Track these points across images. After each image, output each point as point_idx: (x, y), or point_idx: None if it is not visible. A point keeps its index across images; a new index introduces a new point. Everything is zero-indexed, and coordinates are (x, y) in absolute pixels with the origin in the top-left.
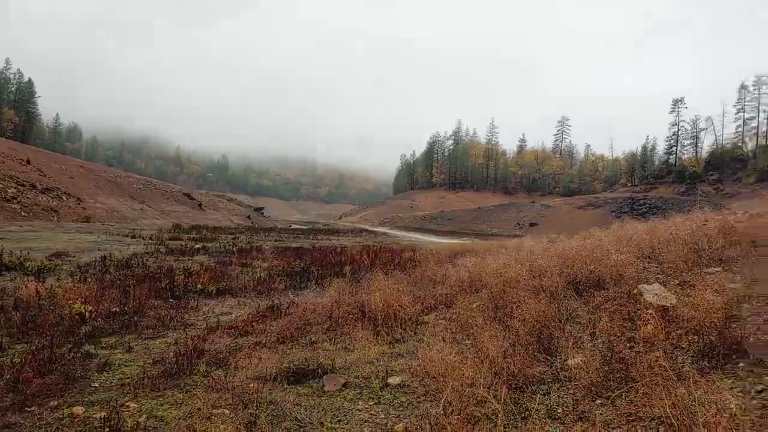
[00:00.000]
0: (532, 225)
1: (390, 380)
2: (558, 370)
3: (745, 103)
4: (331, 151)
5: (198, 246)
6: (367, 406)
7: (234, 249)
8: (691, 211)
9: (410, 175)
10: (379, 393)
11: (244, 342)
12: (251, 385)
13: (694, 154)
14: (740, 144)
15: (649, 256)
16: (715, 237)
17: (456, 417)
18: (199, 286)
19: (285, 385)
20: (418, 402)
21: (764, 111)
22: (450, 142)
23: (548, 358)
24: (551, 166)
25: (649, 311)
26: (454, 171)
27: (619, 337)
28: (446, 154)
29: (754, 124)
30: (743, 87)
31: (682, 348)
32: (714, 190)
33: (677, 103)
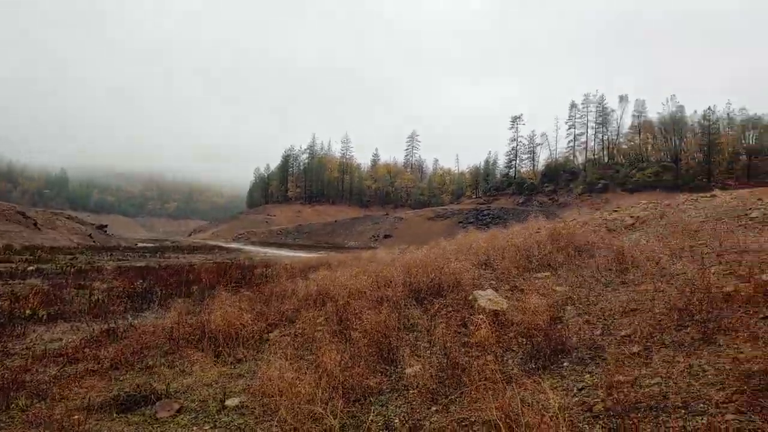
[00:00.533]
0: (386, 237)
1: (228, 402)
2: (397, 379)
3: (576, 120)
4: (179, 165)
5: (31, 268)
6: (201, 431)
7: (71, 270)
8: (527, 220)
9: (265, 188)
10: (216, 416)
11: (72, 370)
12: (75, 416)
13: (531, 168)
14: (572, 158)
15: (485, 263)
16: (544, 243)
17: None
18: (27, 311)
19: (114, 415)
20: (255, 423)
21: (592, 128)
22: (305, 155)
23: (388, 368)
24: (403, 180)
25: (482, 316)
26: (310, 184)
27: (454, 343)
28: (301, 167)
29: (583, 139)
30: (573, 105)
31: (513, 350)
32: (549, 200)
33: (516, 120)
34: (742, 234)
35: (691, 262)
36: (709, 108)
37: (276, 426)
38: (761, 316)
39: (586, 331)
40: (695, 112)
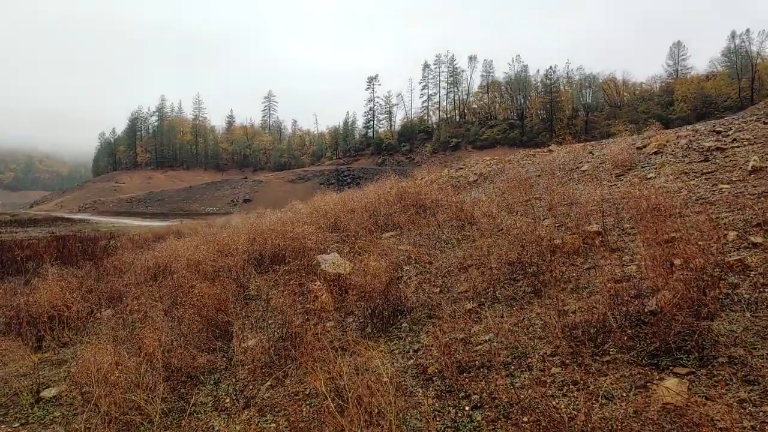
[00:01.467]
0: (246, 201)
1: (44, 393)
2: (232, 355)
3: (429, 81)
4: (15, 132)
5: None
6: (10, 430)
7: None
8: (381, 180)
9: (112, 155)
10: (29, 411)
11: None
12: None
13: (389, 128)
14: (426, 117)
15: (333, 226)
16: (393, 203)
17: (113, 427)
18: None
19: None
20: (73, 415)
21: (444, 88)
22: (154, 118)
23: (222, 344)
24: (262, 142)
25: (320, 283)
26: (161, 149)
27: (294, 311)
28: (151, 131)
29: (436, 99)
30: (426, 66)
31: (354, 315)
32: (407, 159)
33: (372, 80)
34: (573, 187)
35: (525, 215)
36: (550, 68)
37: (95, 417)
38: (586, 266)
39: (425, 290)
40: (538, 72)
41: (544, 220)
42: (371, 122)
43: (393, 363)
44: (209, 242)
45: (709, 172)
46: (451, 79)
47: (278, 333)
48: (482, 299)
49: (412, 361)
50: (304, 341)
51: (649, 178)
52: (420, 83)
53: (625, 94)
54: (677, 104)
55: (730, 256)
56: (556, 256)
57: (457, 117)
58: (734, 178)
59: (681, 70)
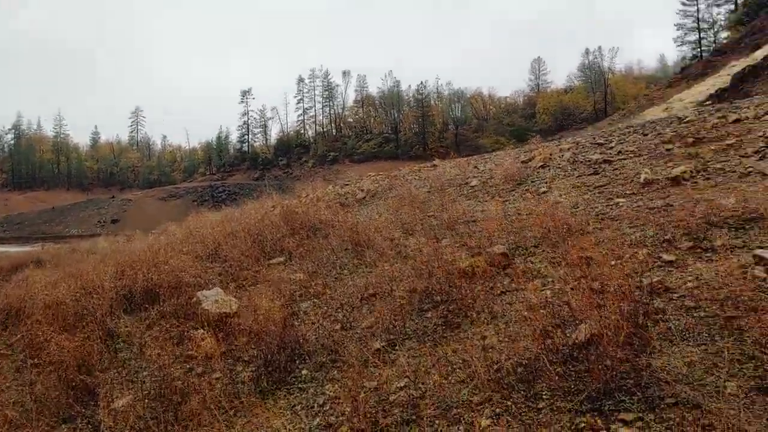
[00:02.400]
0: (114, 222)
1: None
2: (100, 418)
3: (304, 95)
4: None
5: None
6: None
7: None
8: (262, 197)
9: None
10: None
11: None
12: None
13: (264, 142)
14: (302, 131)
15: (214, 254)
16: (279, 225)
17: None
18: None
19: None
20: None
21: (319, 102)
22: (10, 136)
23: (84, 409)
24: (129, 159)
25: (202, 331)
26: (19, 169)
27: (173, 361)
28: (6, 150)
29: (312, 113)
30: (301, 80)
31: (244, 362)
32: (284, 174)
33: (245, 94)
34: (466, 203)
35: (423, 235)
36: (421, 83)
37: None
38: (497, 292)
39: (326, 328)
40: (410, 87)
41: (443, 239)
42: (246, 136)
43: (295, 424)
44: (71, 276)
45: (601, 186)
46: (326, 93)
47: (155, 389)
48: (391, 335)
49: (318, 419)
50: (188, 396)
51: (543, 193)
52: (295, 97)
53: (491, 107)
54: (539, 116)
55: (647, 277)
56: (463, 281)
57: (334, 131)
58: (628, 192)
59: (542, 84)
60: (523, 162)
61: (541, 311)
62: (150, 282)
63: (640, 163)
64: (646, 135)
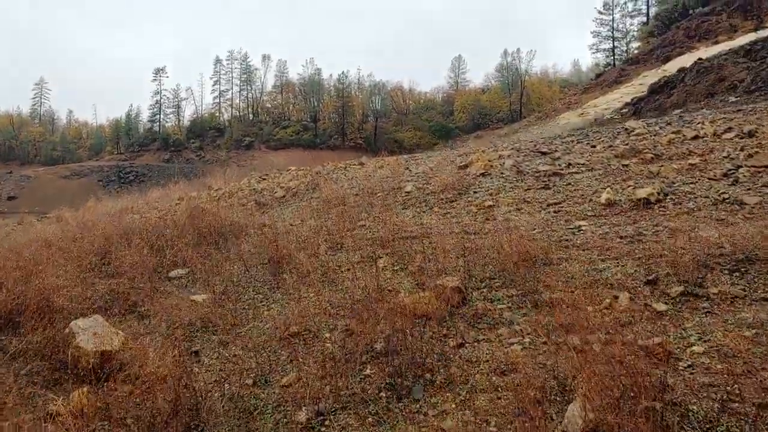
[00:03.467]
0: (10, 198)
1: None
2: None
3: (221, 76)
4: None
5: None
6: None
7: None
8: (169, 186)
9: None
10: None
11: None
12: None
13: (177, 123)
14: (218, 114)
15: (103, 259)
16: (184, 225)
17: None
18: None
19: None
20: None
21: (237, 85)
22: None
23: None
24: (30, 133)
25: (74, 372)
26: None
27: (30, 421)
28: None
29: (228, 96)
30: (218, 60)
31: (126, 426)
32: (196, 157)
33: (159, 72)
34: (401, 212)
35: (354, 251)
36: (342, 72)
37: None
38: (454, 343)
39: (234, 381)
40: (331, 75)
41: (379, 258)
42: (157, 116)
43: None
44: None
45: (556, 204)
46: (245, 76)
47: None
48: (319, 403)
49: None
50: None
51: (489, 207)
52: (212, 78)
53: (410, 102)
54: (457, 114)
55: (642, 336)
56: (410, 323)
57: (251, 116)
58: (589, 212)
59: (461, 82)
60: (460, 168)
61: (513, 376)
62: (12, 302)
63: (596, 179)
64: (595, 147)
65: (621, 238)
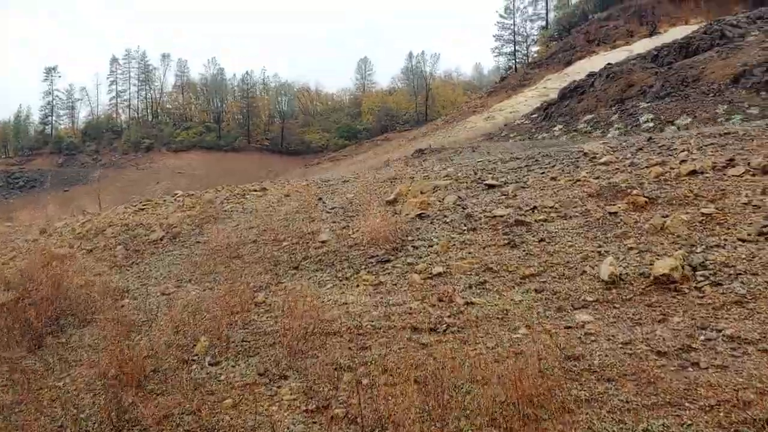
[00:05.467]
0: None
1: None
2: None
3: (118, 76)
4: None
5: None
6: None
7: None
8: (40, 207)
9: None
10: None
11: None
12: None
13: (71, 125)
14: (115, 115)
15: None
16: (8, 305)
17: None
18: None
19: None
20: None
21: (135, 85)
22: None
23: None
24: None
25: None
26: None
27: None
28: None
29: (126, 96)
30: (115, 60)
31: None
32: (92, 161)
33: (51, 71)
34: (315, 276)
35: (244, 357)
36: (247, 72)
37: None
38: None
39: None
40: (235, 75)
41: (283, 380)
42: (49, 118)
43: None
44: None
45: (534, 276)
46: (143, 76)
47: None
48: None
49: None
50: None
51: (438, 275)
52: (108, 78)
53: (318, 103)
54: (364, 116)
55: None
56: None
57: (150, 117)
58: (588, 296)
59: (367, 84)
60: (389, 203)
61: None
62: None
63: (579, 235)
64: (557, 180)
65: (659, 355)
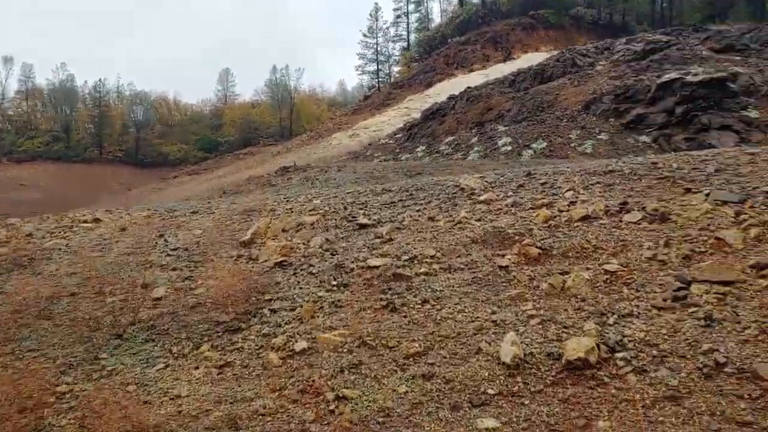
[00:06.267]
0: None
1: None
2: None
3: None
4: None
5: None
6: None
7: None
8: None
9: None
10: None
11: None
12: None
13: None
14: None
15: None
16: None
17: None
18: None
19: None
20: None
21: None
22: None
23: None
24: None
25: None
26: None
27: None
28: None
29: None
30: None
31: None
32: None
33: None
34: (141, 348)
35: None
36: (99, 80)
37: None
38: None
39: None
40: (86, 83)
41: None
42: None
43: None
44: None
45: (420, 354)
46: None
47: None
48: None
49: None
50: None
51: (298, 354)
52: None
53: (176, 114)
54: (226, 128)
55: None
56: None
57: None
58: (488, 385)
59: (230, 95)
60: (244, 245)
61: None
62: None
63: (468, 296)
64: (435, 220)
65: None
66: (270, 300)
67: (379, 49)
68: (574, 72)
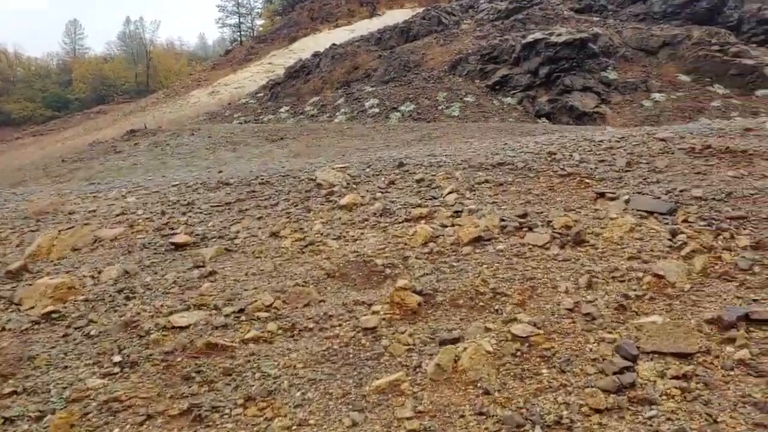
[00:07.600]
0: None
1: None
2: None
3: None
4: None
5: None
6: None
7: None
8: None
9: None
10: None
11: None
12: None
13: None
14: None
15: None
16: None
17: None
18: None
19: None
20: None
21: None
22: None
23: None
24: None
25: None
26: None
27: None
28: None
29: None
30: None
31: None
32: None
33: None
34: None
35: None
36: None
37: None
38: None
39: None
40: None
41: None
42: None
43: None
44: None
45: None
46: None
47: None
48: None
49: None
50: None
51: None
52: None
53: (19, 69)
54: (76, 84)
55: None
56: None
57: None
58: None
59: (79, 49)
60: (10, 276)
61: None
62: None
63: (318, 390)
64: (279, 235)
65: None
66: (10, 395)
67: (240, 0)
68: (440, 31)
